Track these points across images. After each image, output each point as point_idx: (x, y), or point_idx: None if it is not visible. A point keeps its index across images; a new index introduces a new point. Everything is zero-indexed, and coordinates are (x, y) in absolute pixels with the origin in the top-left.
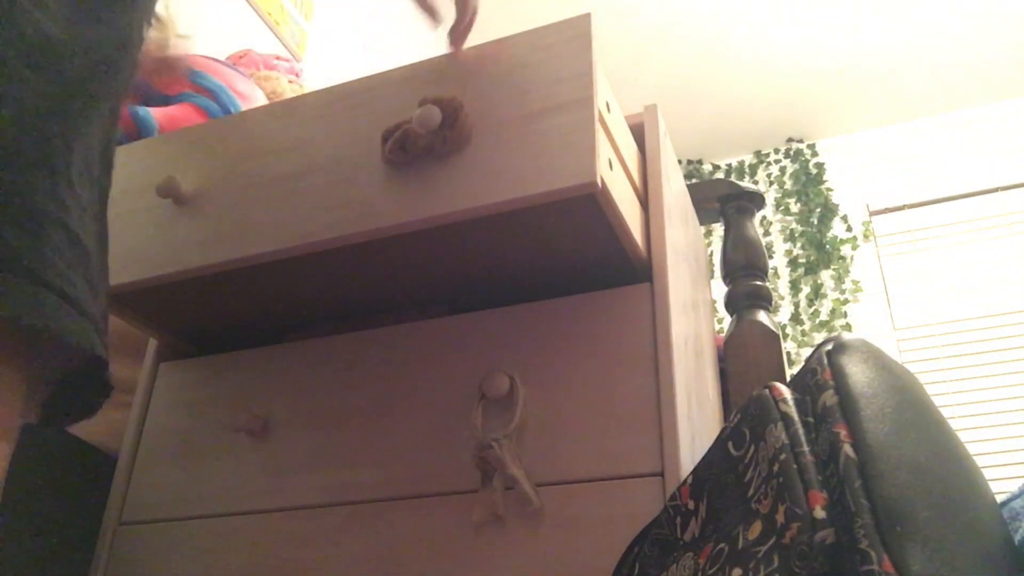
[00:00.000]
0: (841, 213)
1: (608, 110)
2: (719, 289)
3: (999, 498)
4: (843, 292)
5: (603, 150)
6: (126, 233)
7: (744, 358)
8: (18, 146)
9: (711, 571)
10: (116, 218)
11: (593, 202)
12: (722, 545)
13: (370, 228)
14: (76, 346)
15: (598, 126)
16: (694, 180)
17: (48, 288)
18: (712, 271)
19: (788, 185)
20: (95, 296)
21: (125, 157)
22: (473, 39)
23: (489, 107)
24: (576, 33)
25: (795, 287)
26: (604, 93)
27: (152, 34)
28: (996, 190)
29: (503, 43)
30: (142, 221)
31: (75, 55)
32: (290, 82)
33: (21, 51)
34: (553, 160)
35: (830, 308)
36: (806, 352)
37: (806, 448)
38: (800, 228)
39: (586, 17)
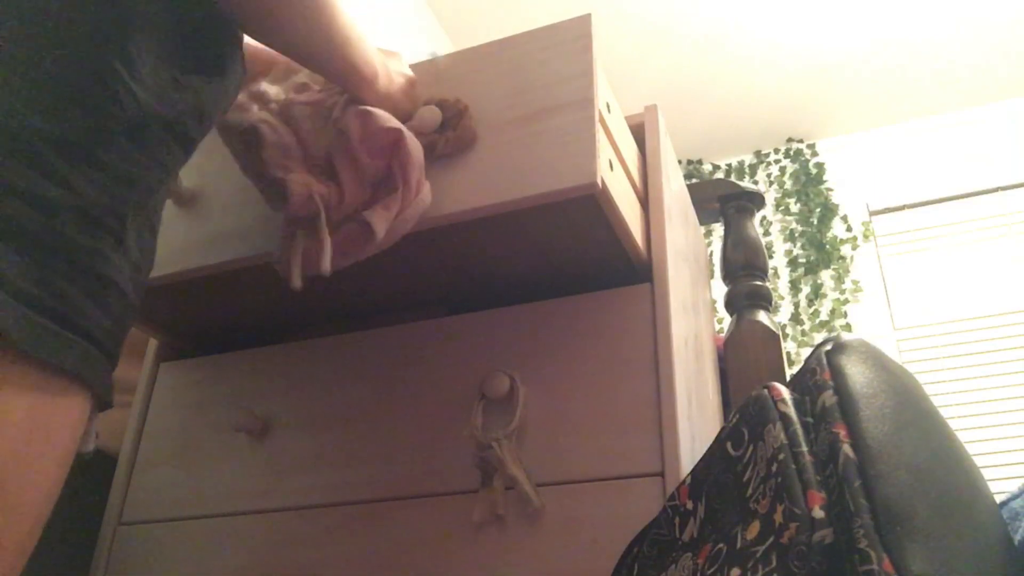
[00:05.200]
0: (841, 213)
1: (608, 110)
2: (719, 289)
3: (999, 498)
4: (843, 292)
5: (603, 151)
6: None
7: (744, 358)
8: (100, 215)
9: (710, 571)
10: None
11: (593, 202)
12: (720, 545)
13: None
14: (102, 395)
15: (598, 127)
16: (694, 180)
17: (96, 346)
18: (712, 271)
19: (788, 185)
20: (124, 340)
21: None
22: (475, 39)
23: (490, 108)
24: (577, 34)
25: (795, 287)
26: (604, 94)
27: None
28: (996, 190)
29: (504, 44)
30: None
31: (159, 128)
32: None
33: (122, 122)
34: (553, 161)
35: (830, 308)
36: (806, 352)
37: (805, 448)
38: (800, 228)
39: (586, 18)
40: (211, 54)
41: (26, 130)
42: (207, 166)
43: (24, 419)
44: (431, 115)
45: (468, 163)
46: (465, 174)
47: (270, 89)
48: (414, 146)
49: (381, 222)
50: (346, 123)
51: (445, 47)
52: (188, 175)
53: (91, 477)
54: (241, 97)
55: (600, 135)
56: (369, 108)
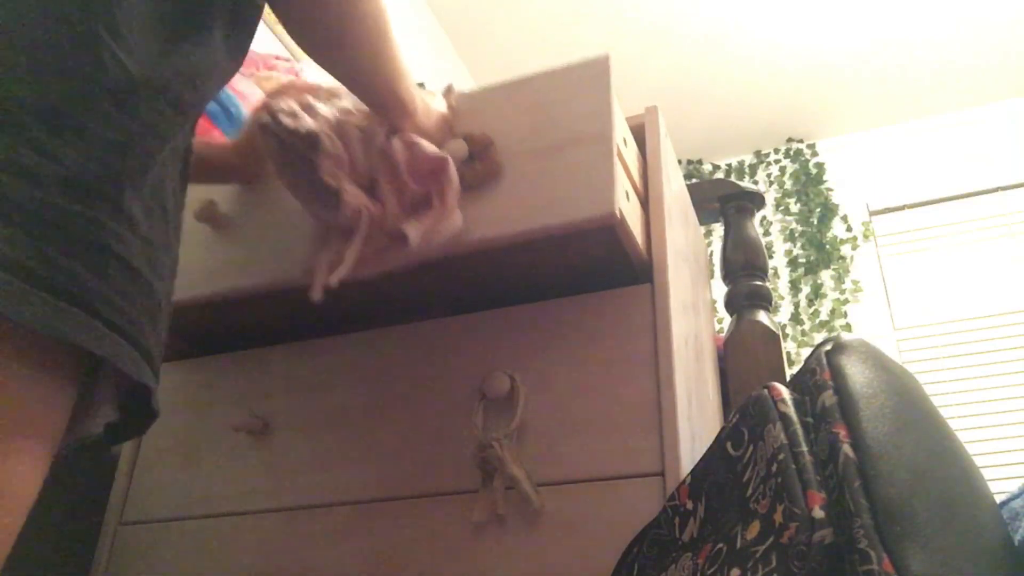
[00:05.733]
0: (841, 213)
1: (625, 144)
2: (719, 289)
3: (999, 498)
4: (843, 292)
5: (620, 183)
6: None
7: (744, 358)
8: (87, 179)
9: (710, 571)
10: None
11: (611, 230)
12: (720, 545)
13: (401, 259)
14: (125, 371)
15: (616, 160)
16: (694, 180)
17: (102, 320)
18: (712, 271)
19: (788, 185)
20: (154, 327)
21: None
22: (502, 75)
23: (514, 141)
24: (595, 73)
25: (795, 287)
26: (621, 129)
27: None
28: (996, 190)
29: (527, 81)
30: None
31: (149, 94)
32: None
33: (105, 87)
34: (575, 192)
35: (830, 308)
36: (806, 352)
37: (805, 448)
38: (800, 228)
39: (604, 59)
40: (200, 21)
41: (6, 98)
42: (241, 191)
43: (6, 394)
44: (458, 148)
45: (494, 193)
46: (491, 204)
47: (318, 105)
48: (455, 174)
49: (414, 232)
50: (394, 149)
51: (447, 50)
52: (224, 200)
53: (91, 477)
54: (291, 103)
55: (618, 168)
56: (413, 137)
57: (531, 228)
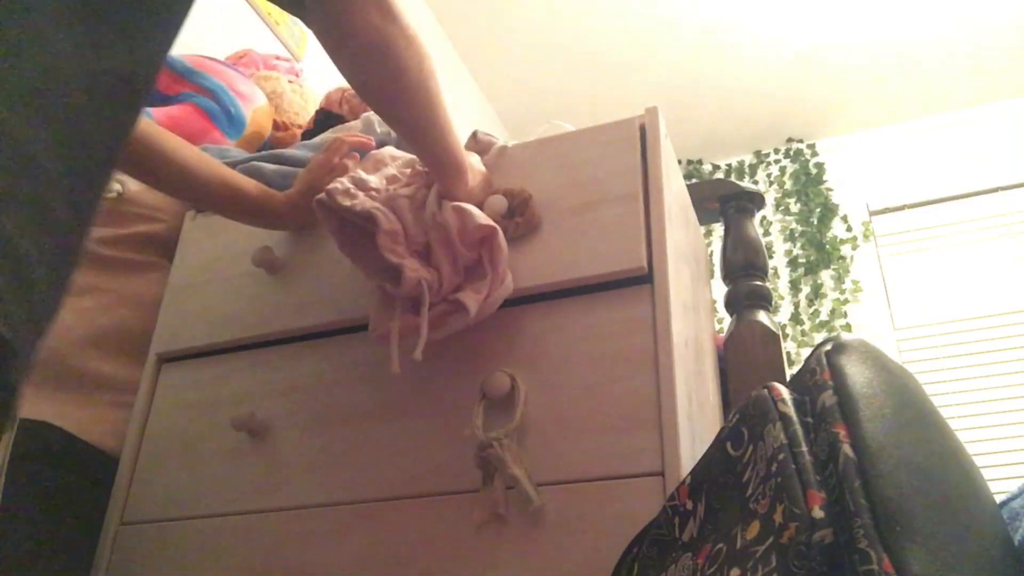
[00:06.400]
0: (841, 213)
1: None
2: (719, 289)
3: (999, 498)
4: (843, 292)
5: (647, 237)
6: (225, 297)
7: (744, 358)
8: None
9: (709, 571)
10: (215, 283)
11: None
12: (720, 545)
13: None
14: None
15: (643, 217)
16: (694, 180)
17: None
18: (712, 271)
19: (788, 185)
20: (17, 290)
21: (223, 223)
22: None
23: (550, 197)
24: (625, 134)
25: (795, 287)
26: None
27: None
28: (996, 190)
29: (562, 139)
30: (237, 287)
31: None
32: (290, 82)
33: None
34: (607, 246)
35: (830, 308)
36: (806, 352)
37: (804, 448)
38: (800, 228)
39: (633, 121)
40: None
41: None
42: (296, 238)
43: None
44: (499, 203)
45: (531, 246)
46: (529, 256)
47: (370, 179)
48: (503, 242)
49: (473, 303)
50: (445, 218)
51: (448, 50)
52: (279, 246)
53: (92, 477)
54: (345, 182)
55: (644, 224)
56: (463, 205)
57: (567, 279)
